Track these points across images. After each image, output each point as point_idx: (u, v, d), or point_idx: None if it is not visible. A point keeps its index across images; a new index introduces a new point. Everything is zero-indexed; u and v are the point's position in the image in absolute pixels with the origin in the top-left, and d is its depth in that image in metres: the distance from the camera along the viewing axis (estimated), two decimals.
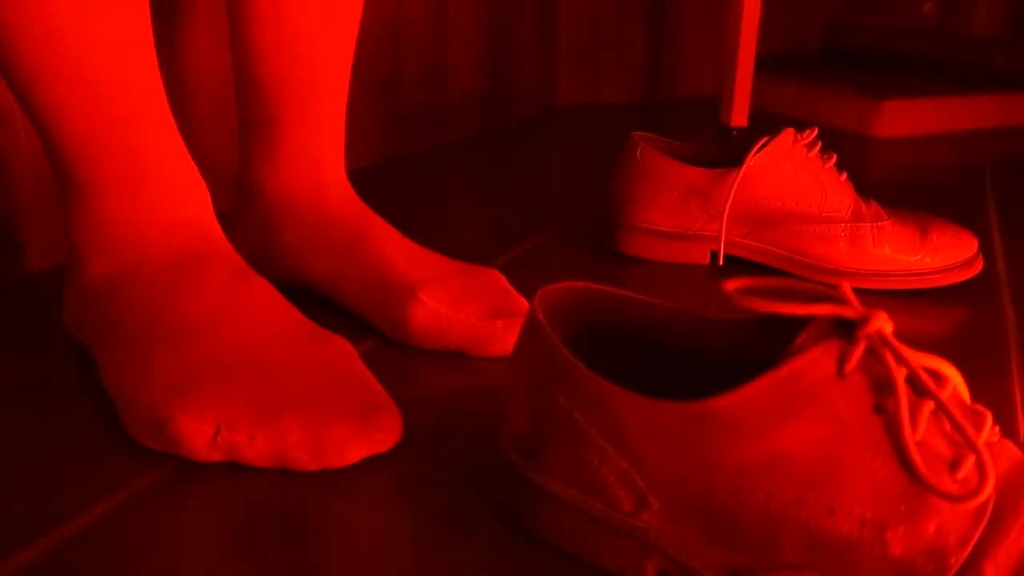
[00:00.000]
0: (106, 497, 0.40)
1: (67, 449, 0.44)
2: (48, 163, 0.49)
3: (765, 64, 1.58)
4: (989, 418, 0.34)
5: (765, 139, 0.69)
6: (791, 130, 0.68)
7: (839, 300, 0.32)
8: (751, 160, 0.68)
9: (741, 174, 0.68)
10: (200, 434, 0.42)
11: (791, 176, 0.68)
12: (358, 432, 0.43)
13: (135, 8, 0.46)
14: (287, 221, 0.62)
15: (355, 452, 0.43)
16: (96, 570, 0.36)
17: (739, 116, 1.26)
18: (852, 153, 1.17)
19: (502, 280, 0.59)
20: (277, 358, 0.46)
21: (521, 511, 0.38)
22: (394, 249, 0.59)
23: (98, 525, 0.39)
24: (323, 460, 0.42)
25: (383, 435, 0.43)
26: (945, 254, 0.67)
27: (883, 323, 0.31)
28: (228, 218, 0.65)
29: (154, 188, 0.49)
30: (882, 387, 0.31)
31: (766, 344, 0.38)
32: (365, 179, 0.99)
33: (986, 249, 0.79)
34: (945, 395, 0.32)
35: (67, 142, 0.47)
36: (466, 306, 0.55)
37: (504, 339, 0.55)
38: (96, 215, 0.49)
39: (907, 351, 0.32)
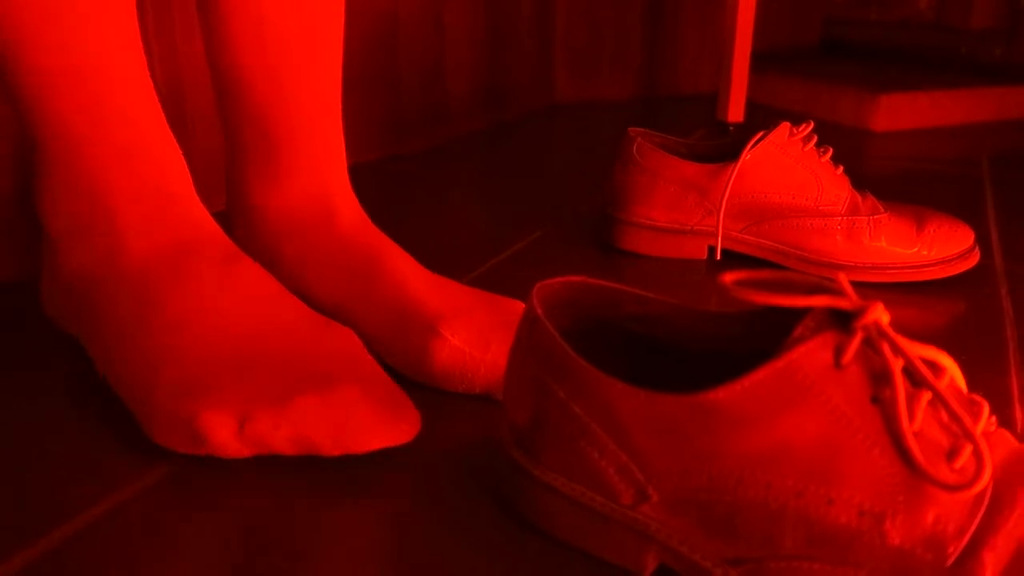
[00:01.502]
0: (107, 496, 0.41)
1: (67, 449, 0.44)
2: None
3: (763, 59, 1.58)
4: (986, 408, 0.34)
5: (761, 133, 0.69)
6: (787, 124, 0.68)
7: (835, 291, 0.33)
8: (747, 154, 0.68)
9: (737, 168, 0.68)
10: (224, 428, 0.41)
11: (787, 170, 0.68)
12: (383, 421, 0.42)
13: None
14: (291, 246, 0.58)
15: (378, 440, 0.42)
16: (97, 569, 0.36)
17: (736, 111, 1.27)
18: (849, 146, 1.17)
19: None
20: (285, 346, 0.45)
21: (521, 504, 0.38)
22: (410, 277, 0.54)
23: (99, 525, 0.39)
24: (343, 445, 0.41)
25: (407, 427, 0.43)
26: (942, 247, 0.67)
27: (880, 314, 0.31)
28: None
29: (132, 169, 0.47)
30: (879, 378, 0.32)
31: (763, 337, 0.38)
32: (365, 178, 0.99)
33: (983, 241, 0.79)
34: (942, 385, 0.32)
35: (47, 124, 0.45)
36: (493, 343, 0.49)
37: None
38: (71, 204, 0.47)
39: (904, 341, 0.32)
